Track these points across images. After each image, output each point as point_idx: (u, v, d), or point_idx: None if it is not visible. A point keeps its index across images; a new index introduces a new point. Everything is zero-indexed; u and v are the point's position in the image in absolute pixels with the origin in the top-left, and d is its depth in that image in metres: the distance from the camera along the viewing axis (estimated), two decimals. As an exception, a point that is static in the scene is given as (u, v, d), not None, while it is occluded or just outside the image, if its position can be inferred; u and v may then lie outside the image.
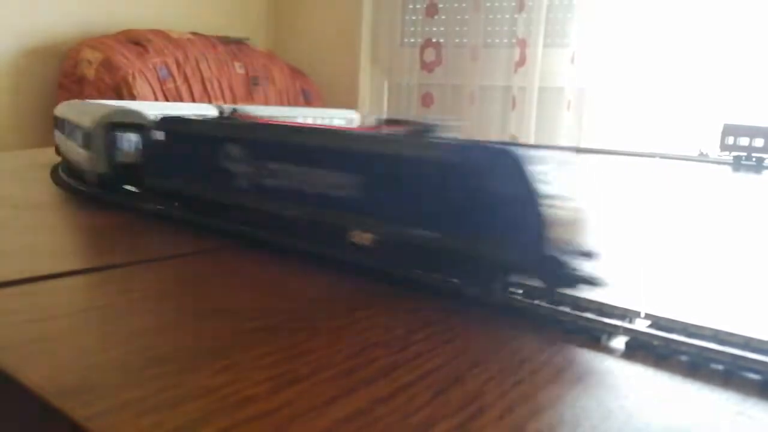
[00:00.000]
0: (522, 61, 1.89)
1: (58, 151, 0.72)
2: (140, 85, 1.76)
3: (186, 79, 1.92)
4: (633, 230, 0.55)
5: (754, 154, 1.29)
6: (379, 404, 0.20)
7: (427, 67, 2.11)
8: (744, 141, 1.29)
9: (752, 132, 1.27)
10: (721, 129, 1.33)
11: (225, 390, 0.20)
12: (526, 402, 0.21)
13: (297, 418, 0.19)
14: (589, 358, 0.25)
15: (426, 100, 2.14)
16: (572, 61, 1.82)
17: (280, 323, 0.27)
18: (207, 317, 0.27)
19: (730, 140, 1.31)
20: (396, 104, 2.20)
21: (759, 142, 1.27)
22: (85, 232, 0.44)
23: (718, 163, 1.39)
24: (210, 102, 1.97)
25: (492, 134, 1.95)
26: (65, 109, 0.70)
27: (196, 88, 1.93)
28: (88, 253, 0.38)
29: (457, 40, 2.05)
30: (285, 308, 0.29)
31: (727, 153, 1.34)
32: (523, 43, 1.89)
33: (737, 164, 1.33)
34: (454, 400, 0.21)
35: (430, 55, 2.10)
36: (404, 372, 0.22)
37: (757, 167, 1.29)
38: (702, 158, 1.50)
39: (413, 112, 2.15)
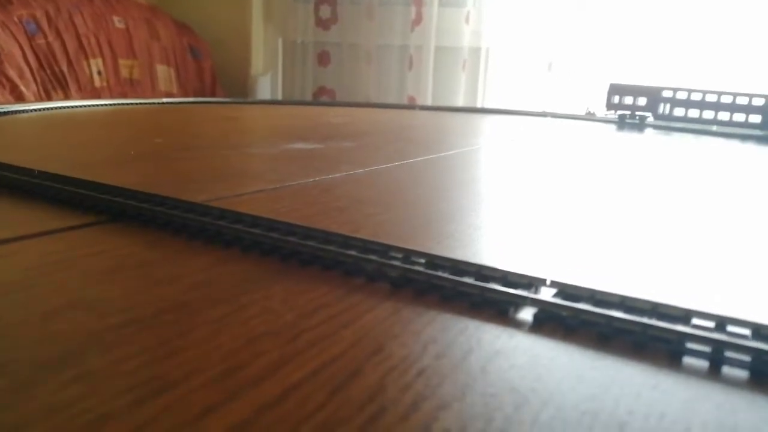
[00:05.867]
0: (418, 20, 1.87)
1: None
2: (5, 42, 1.58)
3: (59, 35, 1.75)
4: (520, 189, 0.55)
5: (637, 113, 1.35)
6: (266, 411, 0.17)
7: (323, 24, 2.04)
8: (628, 100, 1.34)
9: (636, 91, 1.33)
10: (607, 88, 1.38)
11: (75, 407, 0.17)
12: (432, 395, 0.18)
13: (163, 438, 0.16)
14: (497, 334, 0.23)
15: (323, 59, 2.08)
16: (467, 21, 1.83)
17: (149, 315, 0.23)
18: (59, 313, 0.23)
19: (616, 99, 1.37)
20: (291, 63, 2.13)
21: (642, 101, 1.32)
22: None
23: (605, 121, 1.45)
24: (87, 59, 1.81)
25: (390, 95, 1.92)
26: None
27: (71, 44, 1.76)
28: None
29: (352, -3, 1.99)
30: (158, 296, 0.25)
31: (612, 112, 1.39)
32: (419, 2, 1.86)
33: (622, 123, 1.39)
34: (352, 399, 0.18)
35: (325, 12, 2.03)
36: (295, 367, 0.20)
37: (640, 126, 1.35)
38: (589, 117, 1.56)
39: (310, 72, 2.08)
